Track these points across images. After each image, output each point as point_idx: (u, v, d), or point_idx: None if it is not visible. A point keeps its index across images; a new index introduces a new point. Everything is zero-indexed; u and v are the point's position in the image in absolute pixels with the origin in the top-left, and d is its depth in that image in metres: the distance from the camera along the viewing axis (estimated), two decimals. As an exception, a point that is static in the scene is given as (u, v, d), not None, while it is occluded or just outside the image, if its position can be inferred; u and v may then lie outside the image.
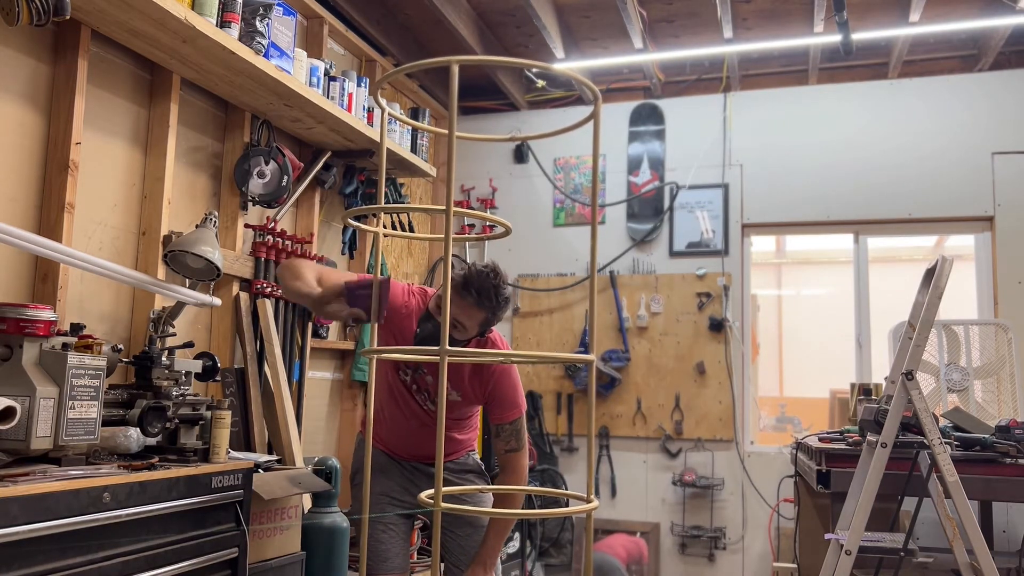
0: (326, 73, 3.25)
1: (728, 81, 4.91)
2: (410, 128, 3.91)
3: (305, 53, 3.11)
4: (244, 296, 3.12)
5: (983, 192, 4.47)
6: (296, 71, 3.00)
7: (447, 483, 2.50)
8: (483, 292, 2.25)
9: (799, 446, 3.56)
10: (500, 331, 5.14)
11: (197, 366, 2.45)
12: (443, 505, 1.19)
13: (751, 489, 4.62)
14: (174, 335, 2.58)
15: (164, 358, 2.29)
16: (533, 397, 4.99)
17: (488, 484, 2.71)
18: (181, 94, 2.84)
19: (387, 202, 4.02)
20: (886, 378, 2.86)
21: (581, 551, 4.69)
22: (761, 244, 5.63)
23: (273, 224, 3.25)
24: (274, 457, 2.75)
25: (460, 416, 2.58)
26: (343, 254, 4.04)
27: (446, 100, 4.96)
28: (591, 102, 4.99)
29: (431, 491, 1.25)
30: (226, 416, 2.26)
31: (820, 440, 3.21)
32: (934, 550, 2.96)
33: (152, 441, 2.19)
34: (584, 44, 4.75)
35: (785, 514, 4.48)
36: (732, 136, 4.88)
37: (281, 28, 2.89)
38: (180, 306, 2.59)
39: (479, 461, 2.69)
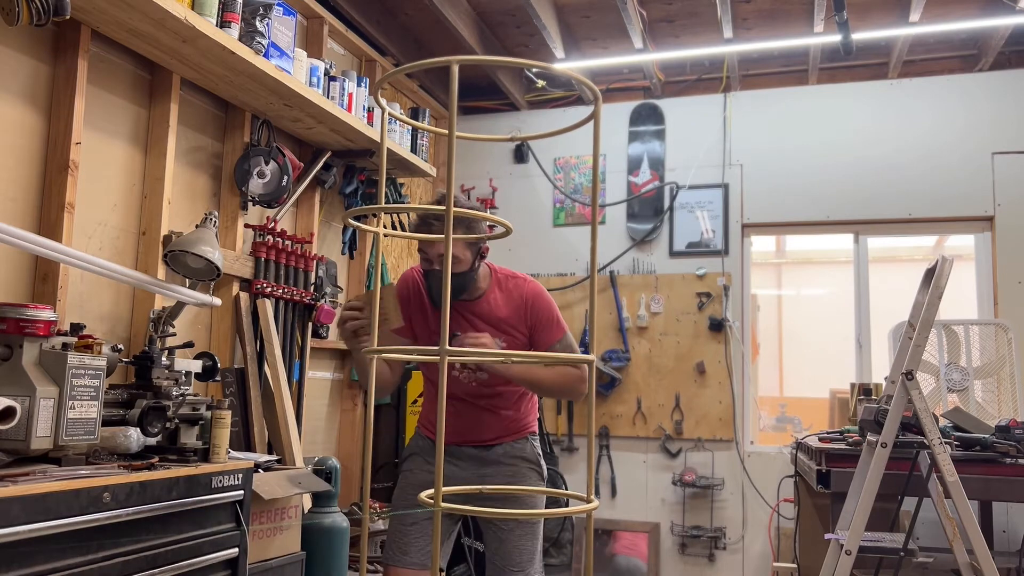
0: (326, 73, 3.25)
1: (728, 81, 4.91)
2: (410, 128, 3.91)
3: (305, 53, 3.11)
4: (244, 296, 3.12)
5: (983, 192, 4.46)
6: (296, 71, 3.00)
7: (495, 465, 2.43)
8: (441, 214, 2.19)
9: (799, 446, 3.56)
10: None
11: (197, 366, 2.45)
12: (443, 505, 1.19)
13: (751, 489, 4.62)
14: (174, 335, 2.58)
15: (164, 358, 2.29)
16: (533, 397, 4.99)
17: (543, 482, 2.52)
18: (181, 94, 2.84)
19: (387, 202, 4.02)
20: (886, 378, 2.86)
21: (581, 551, 4.69)
22: (761, 244, 5.62)
23: (273, 224, 3.25)
24: (274, 457, 2.75)
25: (503, 386, 2.44)
26: (343, 254, 4.04)
27: (446, 100, 4.95)
28: (591, 102, 4.99)
29: (430, 491, 1.24)
30: (226, 416, 2.26)
31: (820, 440, 3.21)
32: (934, 550, 2.96)
33: (152, 441, 2.19)
34: (584, 44, 4.75)
35: (785, 514, 4.48)
36: (732, 136, 4.88)
37: (281, 28, 2.89)
38: (180, 306, 2.59)
39: (539, 452, 2.50)
